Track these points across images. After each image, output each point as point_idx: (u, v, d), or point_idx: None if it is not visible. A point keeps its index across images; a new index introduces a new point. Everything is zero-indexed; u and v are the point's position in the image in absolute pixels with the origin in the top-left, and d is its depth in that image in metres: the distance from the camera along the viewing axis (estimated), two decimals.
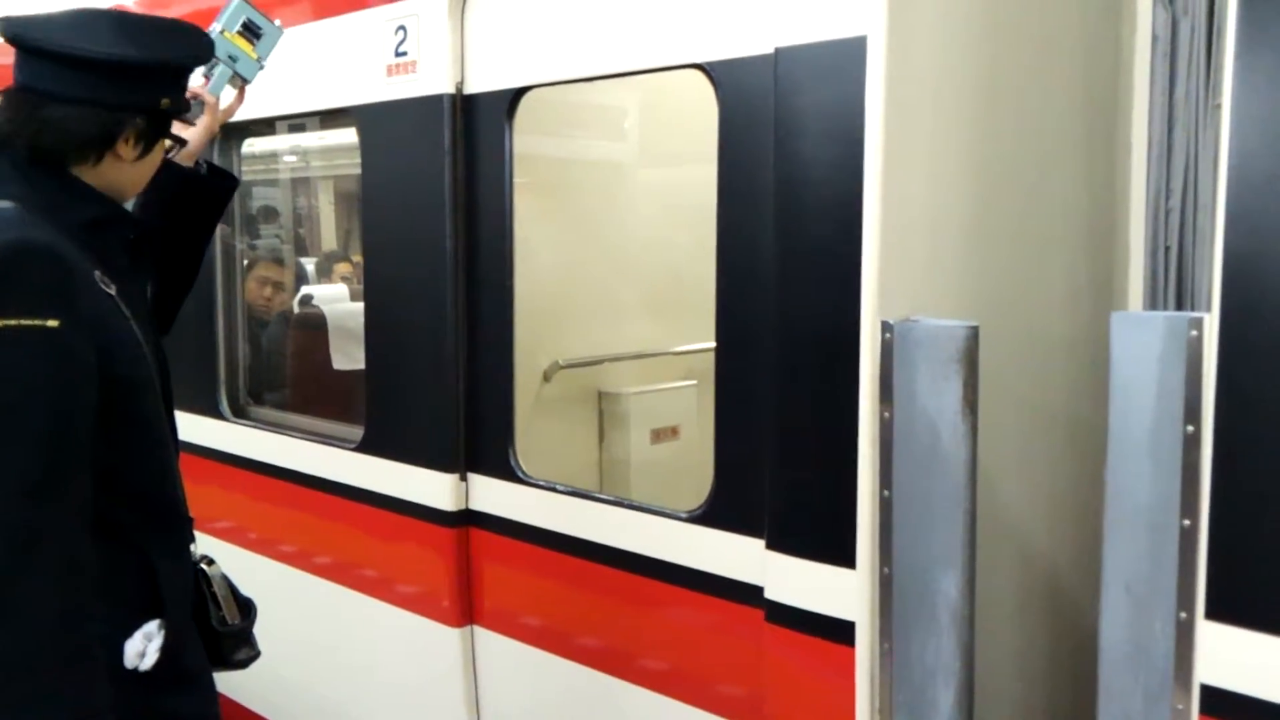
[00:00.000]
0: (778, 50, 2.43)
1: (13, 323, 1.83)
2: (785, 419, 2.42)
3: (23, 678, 1.81)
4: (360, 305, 3.72)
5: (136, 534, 2.08)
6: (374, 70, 3.46)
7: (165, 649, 2.07)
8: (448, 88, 3.26)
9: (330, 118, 3.93)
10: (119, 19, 2.14)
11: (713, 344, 2.70)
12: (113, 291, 2.06)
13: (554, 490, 3.08)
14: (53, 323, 1.85)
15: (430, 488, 3.35)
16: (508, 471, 3.19)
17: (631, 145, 4.18)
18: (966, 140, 2.42)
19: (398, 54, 3.40)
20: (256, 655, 2.34)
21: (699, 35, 2.66)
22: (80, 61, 2.04)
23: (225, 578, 2.32)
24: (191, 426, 4.29)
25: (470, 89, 3.24)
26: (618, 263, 3.92)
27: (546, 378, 3.61)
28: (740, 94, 2.57)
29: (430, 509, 3.36)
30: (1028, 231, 2.57)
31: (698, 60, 2.66)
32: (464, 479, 3.30)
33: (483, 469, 3.27)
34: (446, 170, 3.26)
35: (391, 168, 3.46)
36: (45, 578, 1.83)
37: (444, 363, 3.28)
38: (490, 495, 3.25)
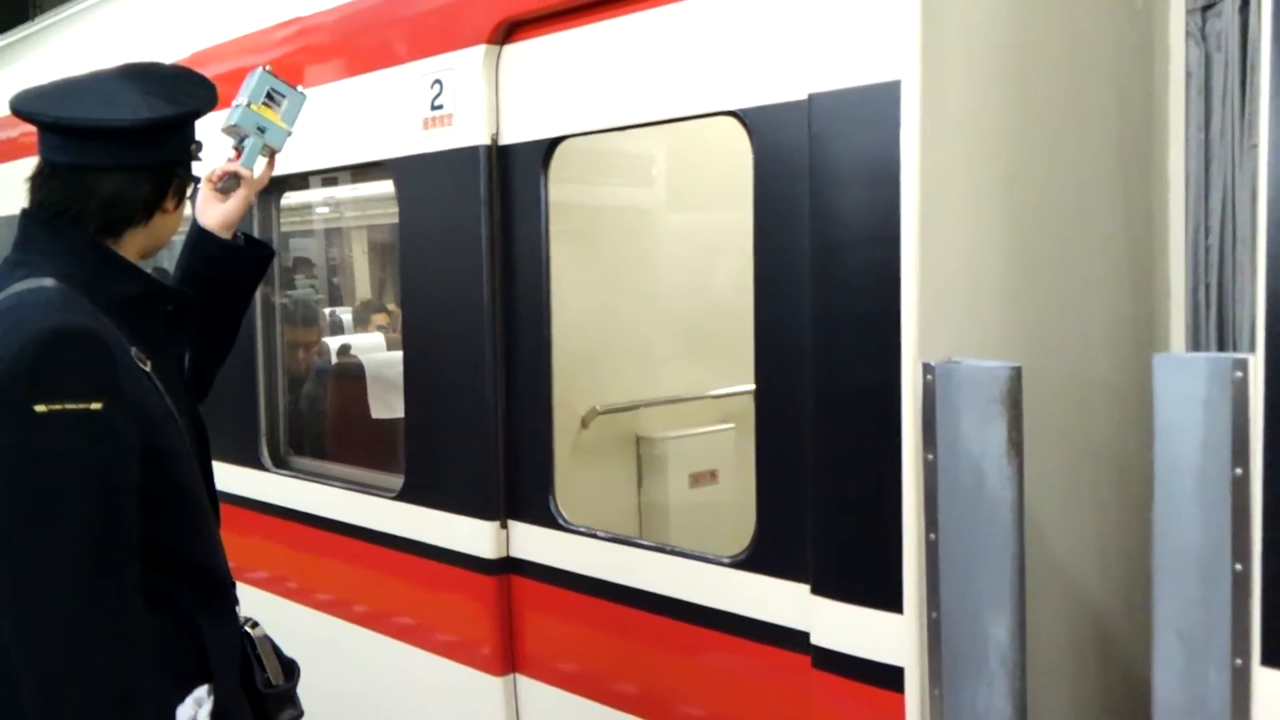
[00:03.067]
0: (811, 96, 2.45)
1: (58, 407, 1.86)
2: (826, 463, 2.42)
3: None
4: (398, 354, 3.76)
5: (181, 601, 2.10)
6: (410, 123, 3.51)
7: (215, 713, 2.10)
8: (483, 139, 3.30)
9: (366, 171, 3.98)
10: (140, 79, 2.19)
11: (748, 387, 2.71)
12: (148, 368, 2.09)
13: (595, 536, 3.08)
14: (96, 405, 1.89)
15: (471, 536, 3.36)
16: (548, 518, 3.20)
17: (660, 190, 4.21)
18: (1003, 180, 2.43)
19: (434, 107, 3.44)
20: (300, 716, 2.37)
21: (732, 82, 2.68)
22: (119, 132, 2.10)
23: (269, 639, 2.35)
24: (233, 477, 4.33)
25: (505, 140, 3.28)
26: (651, 307, 3.94)
27: (585, 424, 3.63)
28: (774, 140, 2.59)
29: (471, 557, 3.36)
30: (1067, 270, 2.57)
31: (731, 107, 2.69)
32: (504, 526, 3.30)
33: (523, 516, 3.28)
34: (483, 220, 3.30)
35: (429, 218, 3.50)
36: (100, 659, 1.87)
37: (483, 411, 3.30)
38: (531, 542, 3.25)
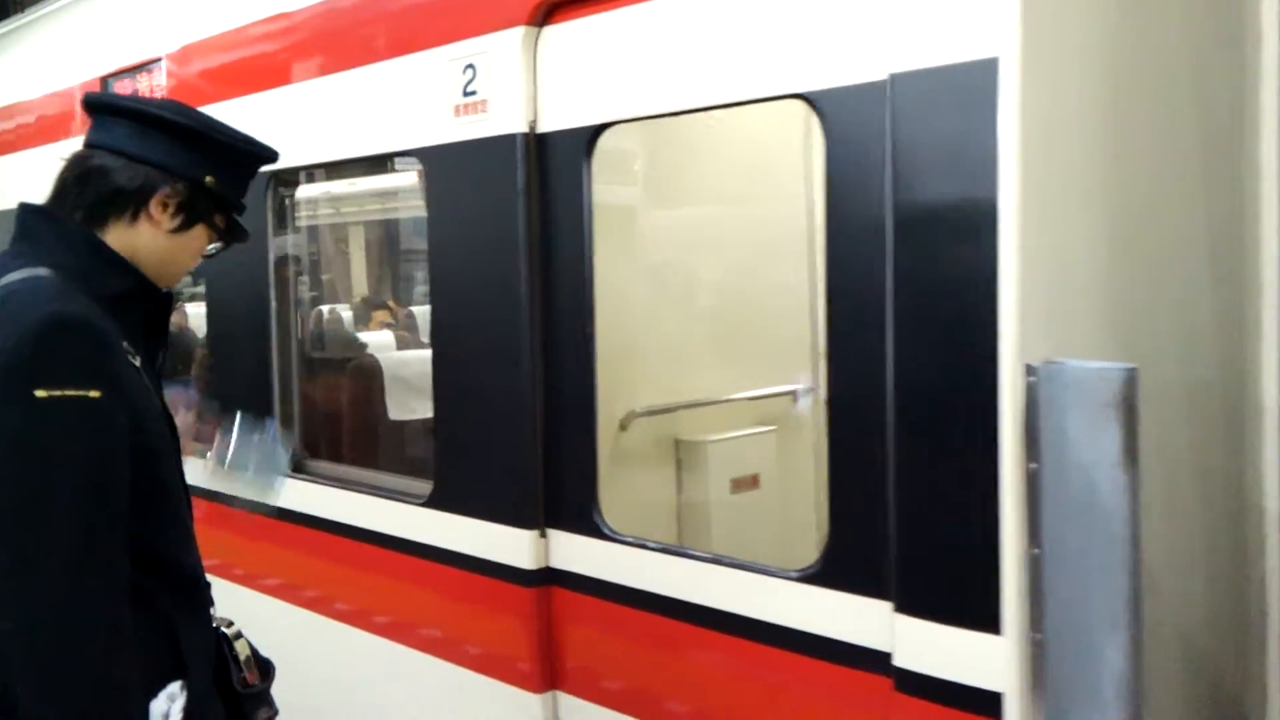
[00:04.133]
0: (893, 77, 2.28)
1: (56, 393, 1.88)
2: (912, 471, 2.25)
3: None
4: (415, 354, 3.60)
5: (159, 597, 2.11)
6: (440, 111, 3.33)
7: (188, 710, 2.11)
8: (520, 127, 3.12)
9: (383, 163, 3.79)
10: (193, 109, 2.29)
11: (788, 388, 2.54)
12: (138, 363, 2.10)
13: (644, 547, 2.91)
14: (94, 393, 1.91)
15: (507, 545, 3.18)
16: (591, 526, 3.02)
17: (692, 183, 4.02)
18: (1104, 166, 2.27)
19: (466, 93, 3.27)
20: (275, 715, 2.38)
21: (800, 62, 2.51)
22: (132, 114, 2.18)
23: (245, 640, 2.36)
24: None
25: (545, 127, 3.11)
26: (685, 304, 3.76)
27: (623, 426, 3.45)
28: (849, 125, 2.42)
29: (507, 567, 3.18)
30: (1166, 264, 2.41)
31: (799, 90, 2.51)
32: (543, 535, 3.13)
33: (564, 524, 3.10)
34: (520, 212, 3.12)
35: (460, 211, 3.32)
36: (93, 650, 1.88)
37: (520, 413, 3.12)
38: (572, 552, 3.07)
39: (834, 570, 2.45)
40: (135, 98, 2.39)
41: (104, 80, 5.11)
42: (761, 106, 2.64)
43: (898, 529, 2.27)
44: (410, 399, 4.30)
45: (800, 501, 3.57)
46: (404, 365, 4.39)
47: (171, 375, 6.34)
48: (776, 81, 2.57)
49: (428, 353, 4.03)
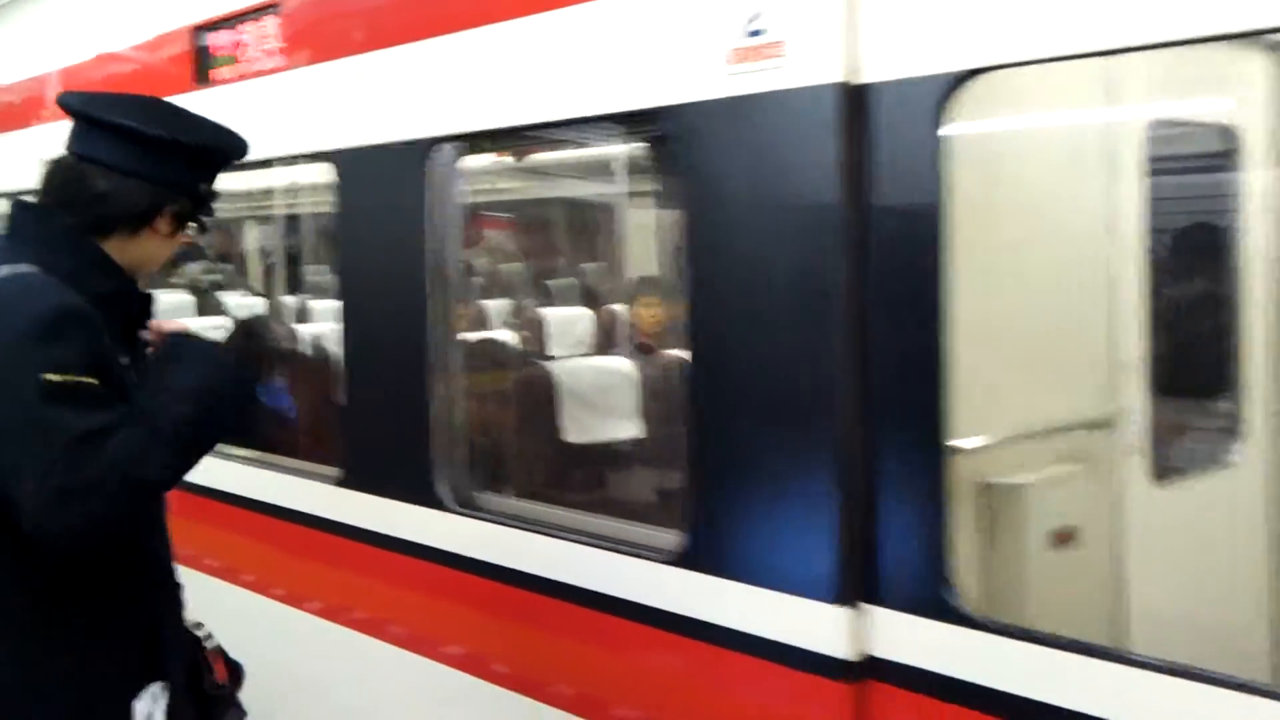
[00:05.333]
0: None
1: (71, 379, 1.96)
2: None
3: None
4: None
5: (145, 596, 2.21)
6: (705, 58, 2.58)
7: (169, 711, 2.18)
8: (834, 75, 2.38)
9: (624, 124, 3.02)
10: (176, 108, 2.33)
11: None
12: (126, 361, 2.17)
13: (1028, 638, 2.17)
14: (93, 382, 1.99)
15: (802, 622, 2.45)
16: (935, 603, 2.28)
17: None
18: None
19: (751, 33, 2.51)
20: (244, 717, 2.40)
21: None
22: (139, 137, 2.19)
23: (216, 642, 2.38)
24: (398, 518, 3.41)
25: (869, 76, 2.36)
26: (998, 316, 2.99)
27: None
28: None
29: (803, 652, 2.44)
30: None
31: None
32: (857, 610, 2.39)
33: (889, 598, 2.36)
34: (834, 188, 2.38)
35: (740, 184, 2.56)
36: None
37: (827, 445, 2.39)
38: (904, 636, 2.33)
39: None
40: (125, 105, 2.25)
41: (196, 30, 4.35)
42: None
43: None
44: (590, 418, 3.56)
45: (1132, 562, 2.84)
46: (577, 376, 3.63)
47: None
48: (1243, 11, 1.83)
49: (604, 361, 3.32)
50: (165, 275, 5.51)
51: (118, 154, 2.18)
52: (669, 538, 2.76)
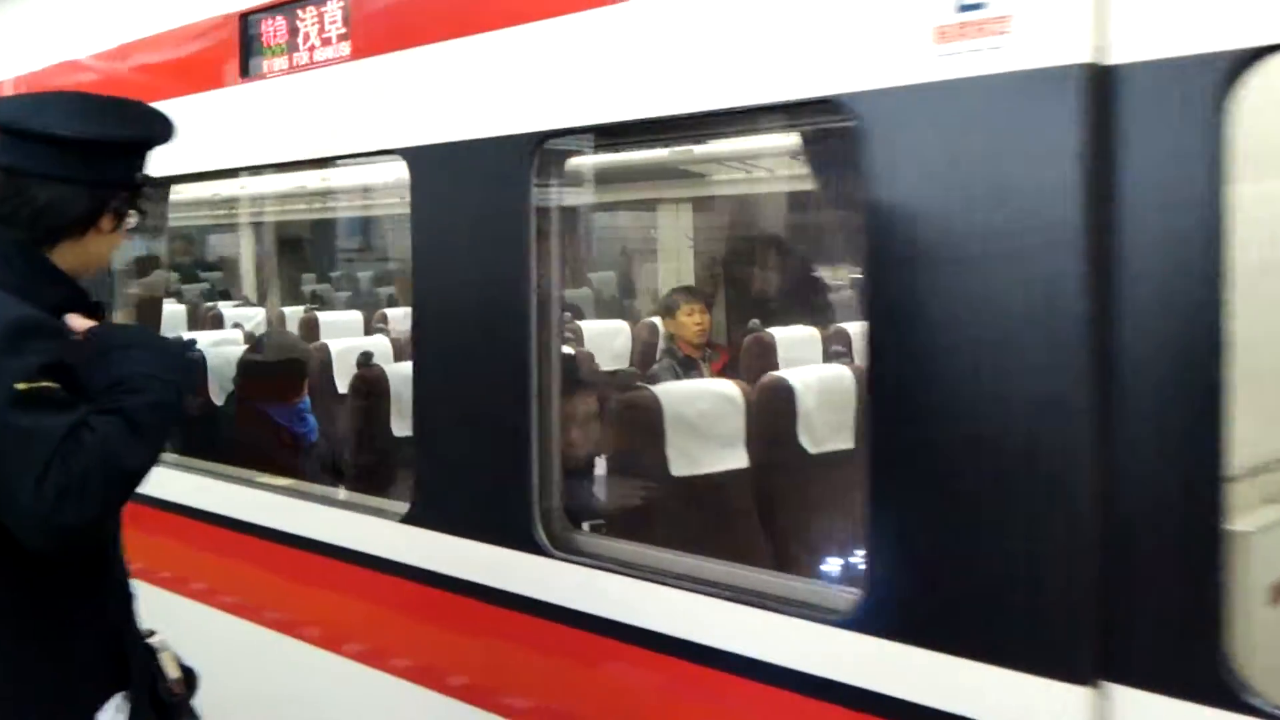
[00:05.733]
0: None
1: (38, 385, 1.99)
2: None
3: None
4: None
5: (108, 605, 2.25)
6: (902, 36, 2.22)
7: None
8: (1078, 55, 2.02)
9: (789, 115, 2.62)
10: (98, 100, 2.32)
11: None
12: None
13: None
14: (57, 386, 2.02)
15: (1025, 701, 2.06)
16: (1207, 685, 1.90)
17: None
18: None
19: (963, 7, 2.15)
20: None
21: None
22: (70, 142, 2.18)
23: (171, 650, 2.38)
24: (486, 561, 2.99)
25: (1121, 56, 2.00)
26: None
27: None
28: None
29: None
30: None
31: None
32: (1098, 690, 2.00)
33: (1141, 677, 1.98)
34: (1076, 188, 2.01)
35: (947, 184, 2.19)
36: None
37: (1063, 482, 2.02)
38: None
39: None
40: (50, 109, 2.23)
41: (243, 18, 3.95)
42: None
43: None
44: (696, 447, 3.17)
45: None
46: (687, 400, 3.22)
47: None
48: None
49: (711, 385, 2.93)
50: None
51: (51, 162, 2.17)
52: (833, 595, 2.37)
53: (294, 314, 7.75)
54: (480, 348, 3.03)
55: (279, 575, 3.64)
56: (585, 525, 3.20)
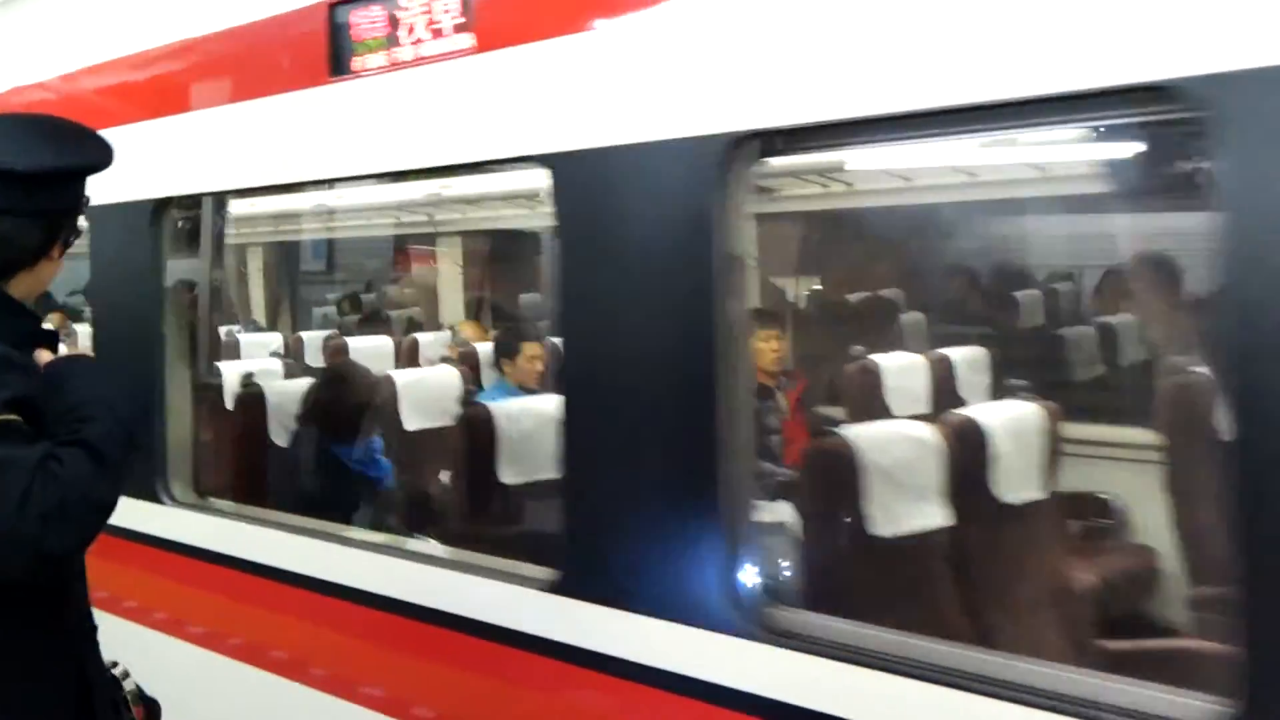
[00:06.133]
0: None
1: (10, 418, 2.00)
2: None
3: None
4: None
5: (71, 640, 2.23)
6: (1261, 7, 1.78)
7: None
8: None
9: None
10: (39, 127, 2.31)
11: None
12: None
13: None
14: (19, 419, 2.02)
15: None
16: None
17: None
18: None
19: None
20: None
21: None
22: (19, 177, 2.16)
23: (133, 680, 2.40)
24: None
25: None
26: None
27: None
28: None
29: None
30: None
31: None
32: None
33: None
34: None
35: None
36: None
37: None
38: None
39: None
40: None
41: (331, 8, 3.49)
42: None
43: None
44: (897, 502, 2.70)
45: None
46: (882, 450, 2.74)
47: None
48: None
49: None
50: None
51: (4, 197, 2.16)
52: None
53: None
54: (659, 385, 2.56)
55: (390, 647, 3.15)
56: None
